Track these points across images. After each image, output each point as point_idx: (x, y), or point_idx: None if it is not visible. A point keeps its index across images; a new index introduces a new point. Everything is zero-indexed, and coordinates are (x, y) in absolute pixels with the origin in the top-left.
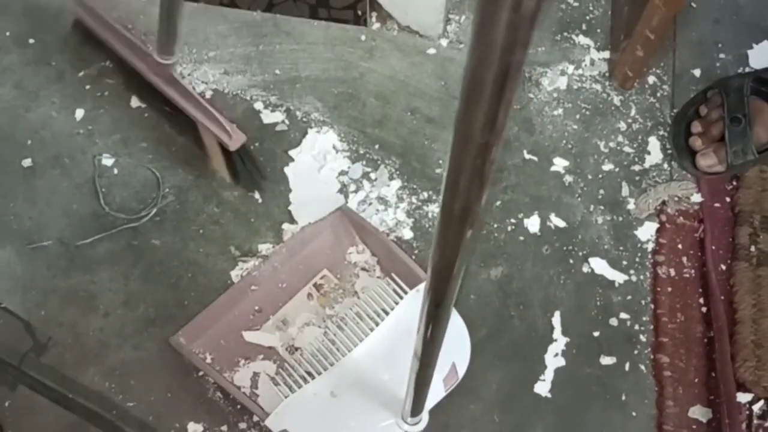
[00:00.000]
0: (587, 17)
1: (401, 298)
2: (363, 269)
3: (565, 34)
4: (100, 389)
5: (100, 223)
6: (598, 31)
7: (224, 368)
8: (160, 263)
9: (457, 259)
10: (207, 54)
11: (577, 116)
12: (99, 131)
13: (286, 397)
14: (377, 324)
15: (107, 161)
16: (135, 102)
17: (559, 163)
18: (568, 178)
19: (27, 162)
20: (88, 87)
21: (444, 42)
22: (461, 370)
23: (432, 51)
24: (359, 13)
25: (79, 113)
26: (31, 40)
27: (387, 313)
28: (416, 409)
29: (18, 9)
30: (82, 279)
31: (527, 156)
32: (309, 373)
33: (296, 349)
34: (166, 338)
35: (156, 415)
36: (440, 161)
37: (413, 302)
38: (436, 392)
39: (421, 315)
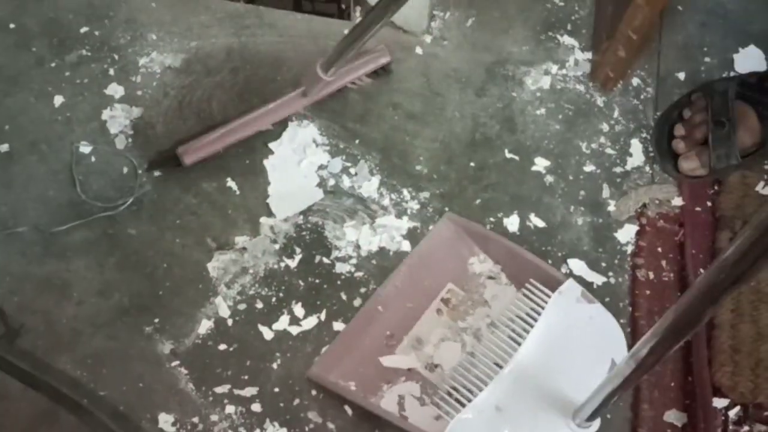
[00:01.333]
0: (572, 17)
1: (542, 302)
2: (489, 277)
3: (550, 33)
4: (72, 377)
5: (76, 211)
6: (583, 31)
7: (368, 395)
8: (136, 253)
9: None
10: (189, 44)
11: (560, 116)
12: (77, 118)
13: (437, 418)
14: (524, 331)
15: (85, 149)
16: (112, 89)
17: (541, 163)
18: (549, 179)
19: (4, 147)
20: (67, 74)
21: (428, 38)
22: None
23: (416, 47)
24: (343, 6)
25: (58, 100)
26: (12, 25)
27: (523, 319)
28: (597, 413)
29: None
30: (56, 266)
31: (508, 155)
32: (455, 389)
33: (436, 366)
34: (139, 328)
35: (128, 405)
36: (421, 158)
37: (560, 303)
38: None
39: (658, 330)
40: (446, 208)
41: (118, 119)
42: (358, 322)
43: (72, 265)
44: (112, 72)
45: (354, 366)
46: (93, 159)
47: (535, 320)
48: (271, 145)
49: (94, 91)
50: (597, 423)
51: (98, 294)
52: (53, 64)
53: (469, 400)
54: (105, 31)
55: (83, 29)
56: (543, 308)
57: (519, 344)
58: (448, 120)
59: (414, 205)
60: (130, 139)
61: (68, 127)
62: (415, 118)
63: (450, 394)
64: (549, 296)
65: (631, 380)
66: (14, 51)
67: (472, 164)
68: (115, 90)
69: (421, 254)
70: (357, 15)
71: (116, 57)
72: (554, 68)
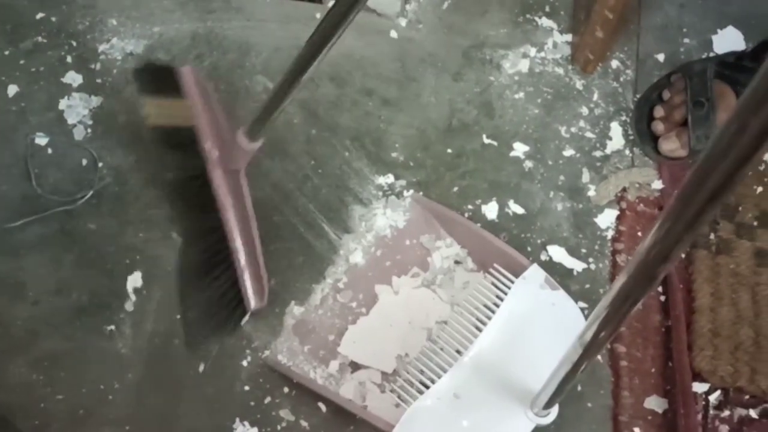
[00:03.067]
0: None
1: (505, 288)
2: (454, 262)
3: (528, 16)
4: (27, 381)
5: (31, 206)
6: (562, 13)
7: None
8: (96, 249)
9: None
10: (151, 29)
11: (539, 100)
12: (33, 109)
13: (397, 405)
14: (486, 317)
15: (41, 140)
16: (69, 78)
17: (519, 149)
18: (528, 164)
19: None
20: (22, 62)
21: (403, 22)
22: None
23: (390, 30)
24: None
25: (12, 89)
26: None
27: (485, 305)
28: (553, 401)
29: None
30: (10, 265)
31: (486, 141)
32: (416, 376)
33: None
34: (99, 327)
35: (86, 409)
36: (396, 144)
37: (523, 289)
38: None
39: (606, 305)
40: (422, 192)
41: (76, 109)
42: (324, 307)
43: (26, 263)
44: (69, 59)
45: (316, 351)
46: (49, 151)
47: (498, 306)
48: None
49: (51, 80)
50: (555, 411)
51: (55, 293)
52: (6, 52)
53: (429, 388)
54: (62, 17)
55: (38, 15)
56: (506, 294)
57: (481, 331)
58: (423, 106)
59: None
60: (89, 130)
61: (23, 117)
62: (389, 103)
63: (411, 383)
64: (512, 282)
65: (580, 364)
66: None
67: (449, 151)
68: (73, 78)
69: (386, 237)
70: None
71: (74, 44)
72: (532, 51)
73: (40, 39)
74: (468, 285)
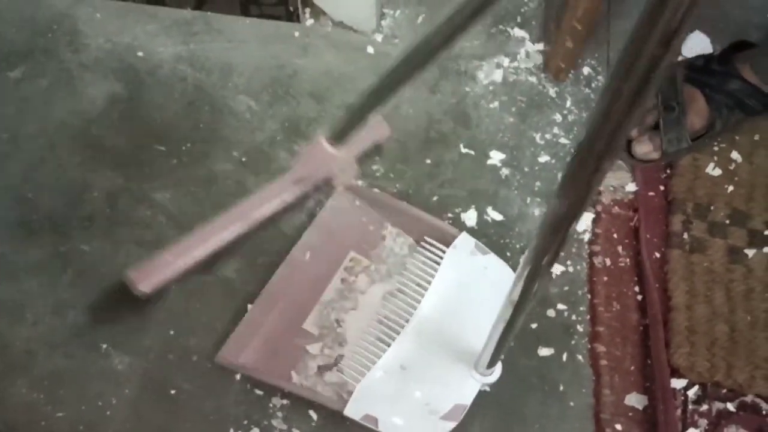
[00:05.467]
0: (522, 9)
1: (438, 259)
2: (389, 240)
3: (500, 26)
4: (28, 400)
5: (26, 230)
6: (533, 23)
7: (279, 372)
8: (90, 269)
9: (584, 202)
10: (136, 54)
11: (513, 109)
12: (24, 135)
13: (346, 385)
14: (423, 290)
15: (34, 165)
16: (57, 109)
17: (496, 157)
18: (505, 171)
19: None
20: (12, 90)
21: (379, 37)
22: None
23: (367, 46)
24: (291, 9)
25: (4, 116)
26: None
27: (421, 277)
28: (495, 359)
29: None
30: (8, 288)
31: (464, 150)
32: (371, 360)
33: (347, 335)
34: (96, 345)
35: (87, 425)
36: (377, 157)
37: (453, 258)
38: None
39: (527, 262)
40: None
41: (66, 135)
42: (262, 301)
43: (24, 286)
44: (57, 85)
45: (262, 345)
46: (42, 176)
47: (433, 276)
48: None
49: (40, 107)
50: (498, 369)
51: (53, 313)
52: None
53: (375, 365)
54: (49, 45)
55: (26, 44)
56: (439, 264)
57: (419, 303)
58: (402, 118)
59: None
60: (79, 154)
61: (14, 144)
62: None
63: (360, 362)
64: (444, 251)
65: (513, 321)
66: None
67: (428, 161)
68: (63, 104)
69: (319, 227)
70: (307, 16)
71: (61, 71)
72: (506, 61)
73: (28, 67)
74: (403, 261)
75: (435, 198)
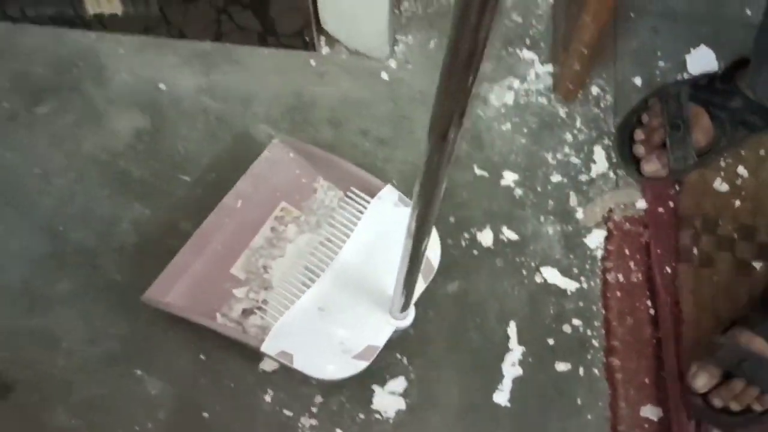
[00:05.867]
0: (530, 32)
1: (362, 208)
2: (320, 192)
3: (510, 49)
4: (66, 426)
5: (58, 262)
6: (542, 45)
7: (204, 313)
8: (121, 298)
9: (454, 119)
10: (158, 86)
11: (525, 130)
12: (54, 170)
13: (267, 326)
14: (345, 236)
15: (64, 199)
16: (85, 143)
17: (509, 177)
18: (519, 191)
19: None
20: (40, 126)
21: (393, 63)
22: (435, 263)
23: (381, 72)
24: (307, 39)
25: (35, 152)
26: None
27: (344, 225)
28: (406, 304)
29: None
30: (44, 318)
31: (478, 172)
32: (291, 299)
33: (272, 281)
34: (129, 372)
35: None
36: (394, 180)
37: (377, 209)
38: (419, 286)
39: (415, 203)
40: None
41: (94, 168)
42: (192, 244)
43: (59, 316)
44: (85, 121)
45: (189, 286)
46: (73, 208)
47: (355, 225)
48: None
49: (69, 142)
50: (411, 312)
51: (87, 342)
52: (26, 118)
53: (294, 305)
54: (75, 81)
55: (52, 81)
56: (362, 214)
57: (340, 249)
58: (417, 141)
59: None
60: (107, 186)
61: (45, 179)
62: (385, 142)
63: (281, 302)
64: (368, 202)
65: (415, 258)
66: None
67: (443, 184)
68: (91, 138)
69: (252, 177)
70: (322, 45)
71: (87, 105)
72: (516, 83)
73: (55, 103)
74: (332, 211)
75: (452, 219)
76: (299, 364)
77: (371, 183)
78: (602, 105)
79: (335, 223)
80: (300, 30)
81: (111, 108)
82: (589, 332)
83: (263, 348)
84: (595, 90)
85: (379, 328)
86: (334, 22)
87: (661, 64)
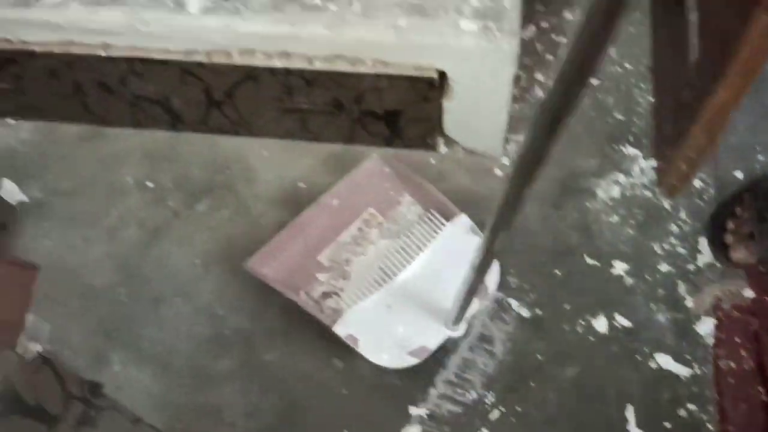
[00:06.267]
0: (632, 129)
1: (438, 229)
2: (404, 206)
3: (614, 145)
4: None
5: (219, 343)
6: (644, 141)
7: (293, 289)
8: (274, 376)
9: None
10: (297, 184)
11: (632, 222)
12: (212, 260)
13: (341, 310)
14: (419, 249)
15: (222, 286)
16: (238, 236)
17: (619, 267)
18: (629, 280)
19: (154, 293)
20: (200, 221)
21: (505, 160)
22: (491, 287)
23: (495, 169)
24: (429, 141)
25: (195, 245)
26: (150, 183)
27: (425, 242)
28: (459, 318)
29: (138, 156)
30: (207, 394)
31: (589, 261)
32: (364, 294)
33: (351, 273)
34: None
35: None
36: (512, 270)
37: (451, 232)
38: (473, 305)
39: (486, 237)
40: (538, 310)
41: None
42: (291, 229)
43: (222, 392)
44: (237, 216)
45: (282, 264)
46: (230, 295)
47: (430, 242)
48: None
49: (224, 234)
50: (462, 326)
51: (247, 415)
52: (187, 214)
53: (367, 298)
54: (227, 180)
55: (209, 181)
56: (438, 234)
57: (414, 259)
58: (532, 233)
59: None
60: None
61: (206, 268)
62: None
63: (356, 294)
64: (444, 225)
65: (474, 285)
66: (153, 206)
67: (557, 272)
68: (242, 232)
69: (349, 181)
70: (441, 145)
71: (238, 202)
72: (622, 177)
73: (212, 200)
74: (411, 225)
75: (567, 306)
76: (362, 348)
77: (450, 209)
78: (705, 197)
79: (413, 237)
80: (424, 134)
81: (259, 204)
82: (703, 417)
83: (335, 328)
84: (697, 183)
85: (434, 334)
86: (456, 127)
87: (761, 158)
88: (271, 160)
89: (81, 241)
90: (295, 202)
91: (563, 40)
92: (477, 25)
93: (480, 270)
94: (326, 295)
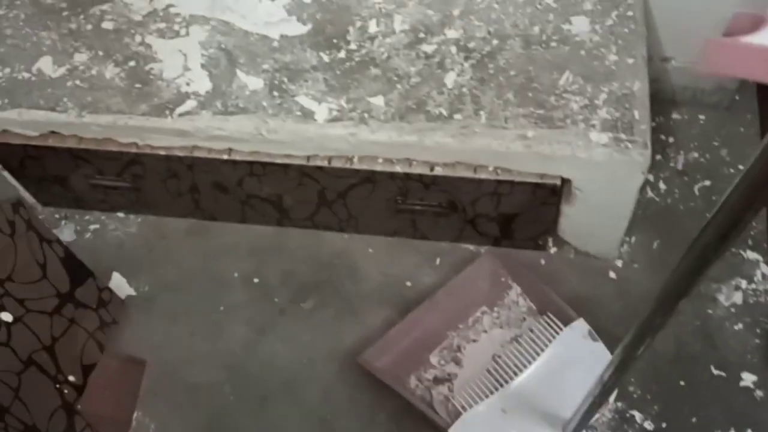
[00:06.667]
0: (751, 233)
1: (554, 333)
2: (516, 306)
3: (733, 249)
4: None
5: None
6: (765, 245)
7: (404, 384)
8: None
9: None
10: (405, 284)
11: (758, 330)
12: (319, 360)
13: (462, 411)
14: (535, 353)
15: (329, 388)
16: (344, 336)
17: (748, 378)
18: (759, 393)
19: (260, 392)
20: (305, 319)
21: (619, 263)
22: (611, 396)
23: (609, 271)
24: (540, 242)
25: (301, 343)
26: (256, 279)
27: (542, 345)
28: (579, 428)
29: (244, 251)
30: None
31: (715, 372)
32: (478, 394)
33: (463, 360)
34: None
35: None
36: (632, 379)
37: (568, 337)
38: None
39: (619, 352)
40: (663, 423)
41: (354, 359)
42: (405, 324)
43: None
44: (342, 315)
45: (396, 357)
46: (337, 397)
47: (546, 346)
48: None
49: (330, 334)
50: None
51: None
52: (293, 312)
53: (483, 401)
54: (333, 278)
55: (314, 278)
56: (554, 338)
57: (530, 363)
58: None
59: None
60: (368, 377)
61: (312, 369)
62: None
63: (471, 396)
64: (561, 329)
65: (600, 399)
66: (260, 302)
67: (681, 383)
68: (349, 332)
69: (463, 278)
70: (551, 245)
71: (344, 301)
72: (743, 283)
73: (317, 299)
74: (526, 326)
75: (693, 419)
76: None
77: (567, 313)
78: None
79: (527, 333)
80: (536, 236)
81: (364, 303)
82: None
83: (451, 431)
84: None
85: None
86: (572, 230)
87: None
88: (377, 257)
89: (187, 337)
90: (402, 301)
91: (671, 139)
92: (608, 137)
93: (608, 387)
94: (438, 380)
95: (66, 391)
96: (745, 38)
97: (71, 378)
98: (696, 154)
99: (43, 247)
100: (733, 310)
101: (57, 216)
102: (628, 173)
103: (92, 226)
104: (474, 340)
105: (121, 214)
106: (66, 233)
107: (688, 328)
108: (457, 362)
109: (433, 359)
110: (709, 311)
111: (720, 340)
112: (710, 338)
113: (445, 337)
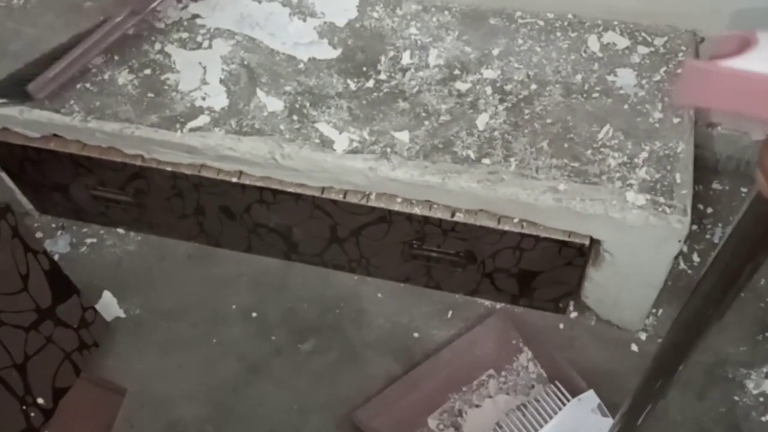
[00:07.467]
0: None
1: (561, 403)
2: (526, 371)
3: (767, 334)
4: None
5: None
6: None
7: None
8: None
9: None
10: (412, 335)
11: None
12: (312, 408)
13: None
14: (539, 425)
15: None
16: (342, 385)
17: None
18: None
19: None
20: (303, 362)
21: (643, 335)
22: None
23: (631, 344)
24: (560, 305)
25: (295, 388)
26: (254, 314)
27: (547, 416)
28: None
29: (245, 282)
30: None
31: None
32: None
33: (463, 426)
34: None
35: None
36: None
37: (577, 408)
38: None
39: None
40: None
41: (351, 409)
42: (405, 382)
43: None
44: (343, 361)
45: (392, 418)
46: None
47: (553, 416)
48: None
49: (328, 381)
50: None
51: None
52: (290, 353)
53: None
54: (337, 321)
55: (317, 319)
56: (562, 407)
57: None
58: (671, 424)
59: None
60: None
61: (304, 417)
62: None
63: None
64: (569, 399)
65: None
66: (256, 339)
67: None
68: (348, 380)
69: (471, 338)
70: (571, 309)
71: (346, 346)
72: None
73: (317, 341)
74: (534, 392)
75: None
76: None
77: (577, 384)
78: None
79: (534, 401)
80: (557, 298)
81: (367, 351)
82: None
83: None
84: None
85: None
86: (597, 296)
87: None
88: (386, 303)
89: (174, 368)
90: (407, 354)
91: (709, 210)
92: (645, 198)
93: None
94: None
95: (33, 414)
96: (725, 62)
97: (40, 401)
98: None
99: (27, 257)
100: (761, 399)
101: (54, 225)
102: (664, 240)
103: (89, 240)
104: (477, 405)
105: (120, 230)
106: (60, 244)
107: (711, 414)
108: (457, 428)
109: (432, 423)
110: (736, 398)
111: (746, 430)
112: (735, 428)
113: (447, 399)
